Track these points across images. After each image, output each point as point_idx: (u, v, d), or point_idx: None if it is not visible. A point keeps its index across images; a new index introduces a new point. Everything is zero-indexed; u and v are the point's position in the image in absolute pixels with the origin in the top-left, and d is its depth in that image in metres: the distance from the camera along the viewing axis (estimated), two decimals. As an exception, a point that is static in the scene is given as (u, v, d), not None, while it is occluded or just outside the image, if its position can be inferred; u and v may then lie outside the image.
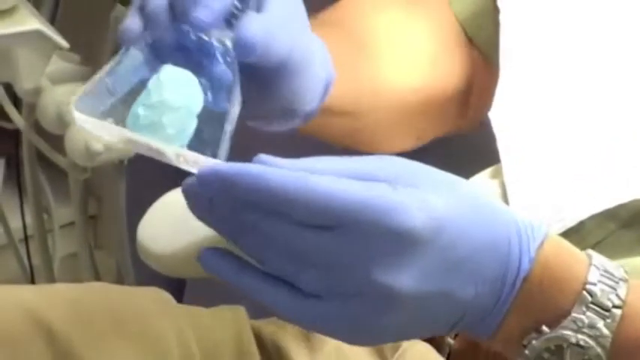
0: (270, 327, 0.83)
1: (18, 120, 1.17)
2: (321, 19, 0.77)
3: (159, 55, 0.60)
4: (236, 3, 0.61)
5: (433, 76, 0.82)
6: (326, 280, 0.53)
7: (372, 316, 0.53)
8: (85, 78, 1.11)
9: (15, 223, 1.47)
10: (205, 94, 0.59)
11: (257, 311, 0.86)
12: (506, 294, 0.56)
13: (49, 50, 1.00)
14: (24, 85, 1.04)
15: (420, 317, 0.54)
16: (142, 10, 0.61)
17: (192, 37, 0.59)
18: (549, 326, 0.56)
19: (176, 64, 0.58)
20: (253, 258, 0.55)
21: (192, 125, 0.57)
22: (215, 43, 0.59)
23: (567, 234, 0.70)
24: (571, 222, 0.70)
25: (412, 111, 0.82)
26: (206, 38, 0.59)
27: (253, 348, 0.81)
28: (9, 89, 1.16)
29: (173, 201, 0.92)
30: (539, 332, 0.56)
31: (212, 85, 0.59)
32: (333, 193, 0.51)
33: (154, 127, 0.56)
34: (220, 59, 0.59)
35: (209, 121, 0.59)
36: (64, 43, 1.00)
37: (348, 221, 0.52)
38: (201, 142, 0.57)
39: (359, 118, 0.78)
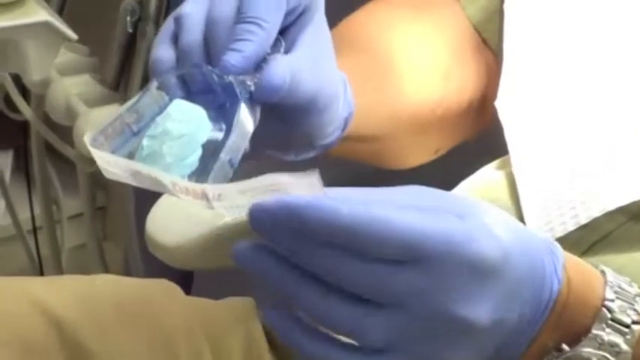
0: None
1: (26, 111, 1.17)
2: (338, 38, 0.77)
3: (183, 88, 0.60)
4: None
5: (448, 90, 0.81)
6: (394, 321, 0.52)
7: (441, 353, 0.53)
8: (93, 69, 1.11)
9: (23, 214, 1.47)
10: (220, 129, 0.58)
11: (265, 302, 0.86)
12: (540, 315, 0.56)
13: (57, 42, 1.00)
14: (32, 76, 1.04)
15: (490, 346, 0.55)
16: (175, 41, 0.60)
17: (215, 76, 0.58)
18: (569, 345, 0.56)
19: (199, 99, 0.58)
20: (310, 312, 0.53)
21: (194, 154, 0.57)
22: (235, 83, 0.58)
23: (578, 227, 0.70)
24: (585, 219, 0.70)
25: (431, 128, 0.82)
26: (228, 79, 0.58)
27: (262, 340, 0.82)
28: (18, 80, 1.16)
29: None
30: (560, 351, 0.57)
31: (228, 122, 0.58)
32: (412, 225, 0.51)
33: (155, 156, 0.56)
34: (241, 99, 0.58)
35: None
36: (73, 35, 1.00)
37: (425, 255, 0.51)
38: (206, 173, 0.56)
39: (379, 141, 0.78)
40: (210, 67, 0.58)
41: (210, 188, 0.53)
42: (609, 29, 0.74)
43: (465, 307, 0.52)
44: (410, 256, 0.51)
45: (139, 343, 0.76)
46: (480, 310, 0.52)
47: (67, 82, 1.07)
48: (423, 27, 0.82)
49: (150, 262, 1.40)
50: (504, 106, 0.77)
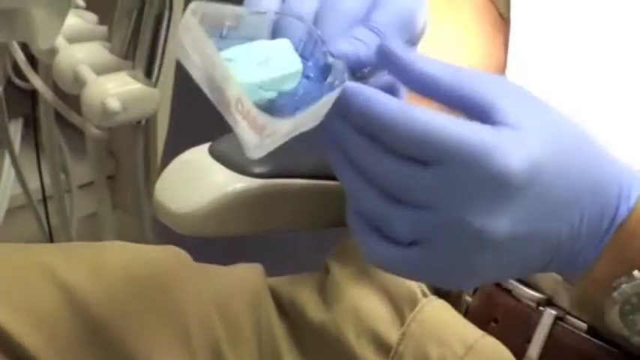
0: (286, 284, 0.83)
1: (35, 80, 1.16)
2: None
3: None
4: None
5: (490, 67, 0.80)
6: (418, 220, 0.52)
7: (464, 258, 0.53)
8: (101, 37, 1.11)
9: (33, 183, 1.47)
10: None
11: (274, 269, 0.86)
12: (601, 238, 0.56)
13: (65, 9, 0.99)
14: (40, 44, 1.03)
15: (514, 258, 0.54)
16: None
17: (321, 45, 0.56)
18: None
19: None
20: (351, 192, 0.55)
21: (271, 91, 0.54)
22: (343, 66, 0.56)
23: None
24: None
25: None
26: (335, 59, 0.56)
27: (270, 305, 0.82)
28: (26, 49, 1.16)
29: (190, 160, 0.92)
30: (631, 276, 0.57)
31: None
32: (435, 126, 0.51)
33: (236, 67, 0.53)
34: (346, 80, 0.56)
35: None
36: (81, 2, 1.00)
37: (445, 157, 0.51)
38: (270, 112, 0.53)
39: None
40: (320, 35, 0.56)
41: (271, 123, 0.51)
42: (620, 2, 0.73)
43: (480, 216, 0.51)
44: (431, 157, 0.51)
45: (148, 310, 0.76)
46: (497, 221, 0.52)
47: (75, 49, 1.06)
48: (458, 28, 0.81)
49: (161, 230, 1.40)
50: (513, 77, 0.76)
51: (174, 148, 0.93)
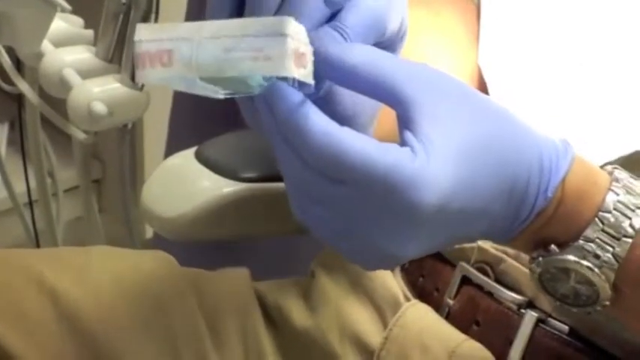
0: (272, 289, 0.83)
1: (21, 84, 1.16)
2: None
3: None
4: None
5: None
6: (334, 225, 0.54)
7: (381, 260, 0.55)
8: (87, 41, 1.11)
9: (19, 187, 1.46)
10: None
11: (260, 273, 0.86)
12: (517, 226, 0.57)
13: (51, 13, 0.99)
14: (25, 48, 1.03)
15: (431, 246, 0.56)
16: None
17: None
18: (560, 246, 0.57)
19: None
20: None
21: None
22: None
23: None
24: None
25: None
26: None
27: (256, 310, 0.82)
28: (11, 53, 1.16)
29: (176, 164, 0.92)
30: (548, 251, 0.58)
31: None
32: (352, 151, 0.51)
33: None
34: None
35: None
36: (67, 6, 1.00)
37: (360, 183, 0.51)
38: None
39: None
40: None
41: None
42: None
43: (391, 244, 0.53)
44: (346, 179, 0.51)
45: (133, 314, 0.76)
46: (408, 248, 0.53)
47: (61, 53, 1.06)
48: (437, 29, 0.80)
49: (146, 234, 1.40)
50: (487, 64, 0.76)
51: (174, 149, 0.93)
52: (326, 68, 0.53)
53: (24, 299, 0.74)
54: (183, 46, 0.51)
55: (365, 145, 0.51)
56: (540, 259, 0.58)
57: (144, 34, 0.52)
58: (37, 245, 1.50)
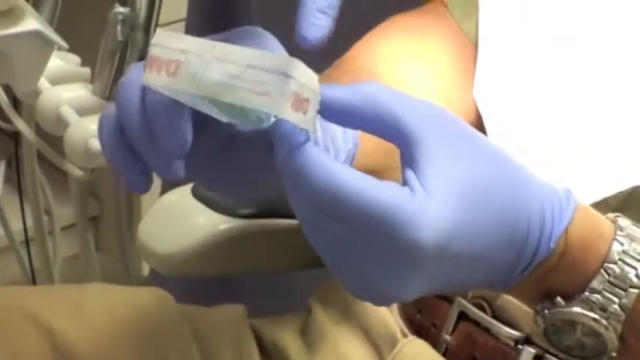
0: (269, 326, 0.83)
1: (17, 121, 1.16)
2: (337, 72, 0.75)
3: None
4: None
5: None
6: (335, 258, 0.53)
7: (381, 299, 0.55)
8: (84, 79, 1.11)
9: (16, 225, 1.46)
10: None
11: (257, 310, 0.86)
12: (518, 275, 0.56)
13: (48, 51, 0.99)
14: (23, 86, 1.03)
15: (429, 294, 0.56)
16: None
17: None
18: (565, 298, 0.57)
19: None
20: None
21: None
22: None
23: None
24: None
25: None
26: None
27: (252, 347, 0.81)
28: (8, 90, 1.16)
29: (173, 201, 0.92)
30: (554, 304, 0.57)
31: None
32: (352, 190, 0.51)
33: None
34: None
35: None
36: (64, 44, 1.00)
37: (360, 222, 0.51)
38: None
39: (382, 174, 0.78)
40: None
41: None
42: (585, 22, 0.74)
43: (390, 285, 0.53)
44: (347, 218, 0.51)
45: (129, 352, 0.76)
46: (407, 289, 0.53)
47: (58, 91, 1.06)
48: (421, 58, 0.80)
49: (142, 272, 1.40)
50: (483, 97, 0.76)
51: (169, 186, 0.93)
52: (326, 108, 0.53)
53: (20, 337, 0.73)
54: (192, 61, 0.51)
55: (364, 184, 0.51)
56: (546, 311, 0.58)
57: (160, 40, 0.53)
58: (34, 283, 1.49)
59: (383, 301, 0.55)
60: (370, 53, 0.78)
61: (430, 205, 0.51)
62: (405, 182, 0.52)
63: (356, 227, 0.51)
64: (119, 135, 0.55)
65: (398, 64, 0.78)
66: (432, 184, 0.52)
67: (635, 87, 0.72)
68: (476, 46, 0.80)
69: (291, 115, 0.50)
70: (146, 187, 0.56)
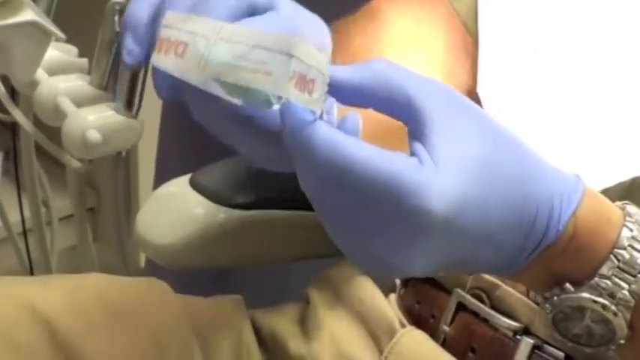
0: (267, 316, 0.83)
1: (15, 113, 1.16)
2: (335, 39, 0.76)
3: None
4: None
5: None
6: (343, 229, 0.53)
7: (389, 271, 0.54)
8: (82, 70, 1.11)
9: (13, 216, 1.46)
10: None
11: (255, 300, 0.86)
12: (525, 257, 0.56)
13: (45, 42, 0.99)
14: (20, 77, 1.03)
15: (436, 272, 0.56)
16: None
17: None
18: (574, 284, 0.57)
19: None
20: None
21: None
22: None
23: None
24: None
25: None
26: None
27: (251, 338, 0.81)
28: (6, 81, 1.16)
29: (171, 192, 0.92)
30: (562, 289, 0.57)
31: None
32: (357, 159, 0.51)
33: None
34: None
35: None
36: (61, 35, 1.00)
37: (369, 191, 0.51)
38: None
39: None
40: None
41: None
42: (587, 20, 0.74)
43: (394, 250, 0.52)
44: (352, 187, 0.51)
45: (128, 343, 0.76)
46: (411, 256, 0.53)
47: (56, 82, 1.06)
48: (422, 27, 0.81)
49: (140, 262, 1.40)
50: (486, 94, 0.76)
51: (162, 178, 0.93)
52: (337, 90, 0.53)
53: (17, 328, 0.73)
54: (199, 42, 0.52)
55: (372, 153, 0.51)
56: (555, 298, 0.58)
57: (170, 21, 0.53)
58: (31, 274, 1.50)
59: (389, 273, 0.55)
60: (380, 25, 0.79)
61: (438, 175, 0.51)
62: (412, 154, 0.53)
63: (364, 197, 0.51)
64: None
65: (392, 42, 0.78)
66: (440, 157, 0.52)
67: (633, 78, 0.72)
68: (465, 25, 0.81)
69: (294, 95, 0.50)
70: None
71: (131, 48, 0.59)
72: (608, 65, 0.73)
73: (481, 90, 0.76)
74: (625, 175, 0.69)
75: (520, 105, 0.74)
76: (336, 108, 0.55)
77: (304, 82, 0.51)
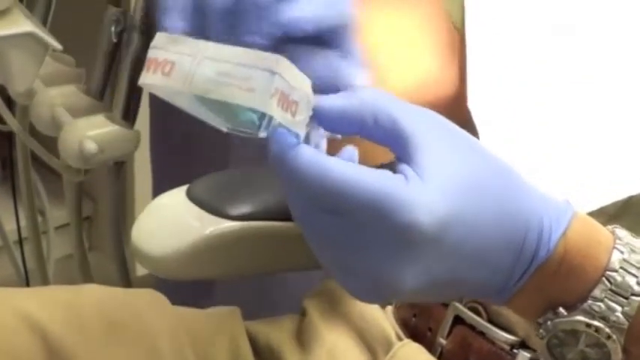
0: (264, 328, 0.83)
1: (12, 122, 1.16)
2: None
3: None
4: None
5: (426, 88, 0.80)
6: (330, 253, 0.54)
7: (379, 292, 0.54)
8: (78, 80, 1.11)
9: (9, 225, 1.46)
10: None
11: (252, 312, 0.86)
12: (516, 280, 0.56)
13: (42, 52, 1.00)
14: (17, 87, 1.04)
15: (427, 295, 0.56)
16: None
17: None
18: (567, 308, 0.57)
19: None
20: None
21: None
22: None
23: None
24: None
25: None
26: None
27: (247, 350, 0.81)
28: (3, 91, 1.16)
29: (167, 203, 0.92)
30: (556, 314, 0.57)
31: None
32: (346, 179, 0.51)
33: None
34: None
35: None
36: (58, 45, 1.00)
37: (356, 211, 0.51)
38: None
39: (360, 142, 0.78)
40: None
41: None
42: (576, 25, 0.74)
43: (389, 266, 0.52)
44: (342, 209, 0.51)
45: (124, 354, 0.76)
46: (405, 272, 0.53)
47: (52, 92, 1.07)
48: (408, 23, 0.81)
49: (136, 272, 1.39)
50: (477, 106, 0.76)
51: (159, 189, 0.93)
52: (324, 118, 0.54)
53: (13, 338, 0.73)
54: (185, 60, 0.53)
55: (357, 173, 0.51)
56: (548, 322, 0.57)
57: (159, 42, 0.54)
58: (27, 283, 1.49)
59: (380, 296, 0.55)
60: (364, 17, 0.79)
61: (425, 190, 0.51)
62: (398, 173, 0.53)
63: (352, 218, 0.51)
64: None
65: (370, 32, 0.78)
66: (426, 174, 0.52)
67: (627, 78, 0.72)
68: (452, 22, 0.81)
69: (276, 113, 0.51)
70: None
71: (176, 26, 0.59)
72: (603, 65, 0.72)
73: (471, 92, 0.76)
74: (621, 194, 0.68)
75: (510, 105, 0.74)
76: (325, 141, 0.56)
77: (287, 102, 0.51)
